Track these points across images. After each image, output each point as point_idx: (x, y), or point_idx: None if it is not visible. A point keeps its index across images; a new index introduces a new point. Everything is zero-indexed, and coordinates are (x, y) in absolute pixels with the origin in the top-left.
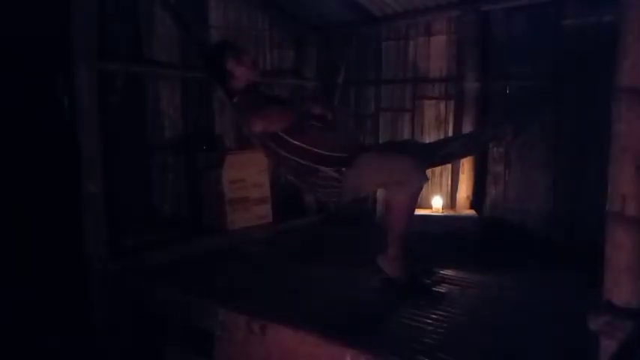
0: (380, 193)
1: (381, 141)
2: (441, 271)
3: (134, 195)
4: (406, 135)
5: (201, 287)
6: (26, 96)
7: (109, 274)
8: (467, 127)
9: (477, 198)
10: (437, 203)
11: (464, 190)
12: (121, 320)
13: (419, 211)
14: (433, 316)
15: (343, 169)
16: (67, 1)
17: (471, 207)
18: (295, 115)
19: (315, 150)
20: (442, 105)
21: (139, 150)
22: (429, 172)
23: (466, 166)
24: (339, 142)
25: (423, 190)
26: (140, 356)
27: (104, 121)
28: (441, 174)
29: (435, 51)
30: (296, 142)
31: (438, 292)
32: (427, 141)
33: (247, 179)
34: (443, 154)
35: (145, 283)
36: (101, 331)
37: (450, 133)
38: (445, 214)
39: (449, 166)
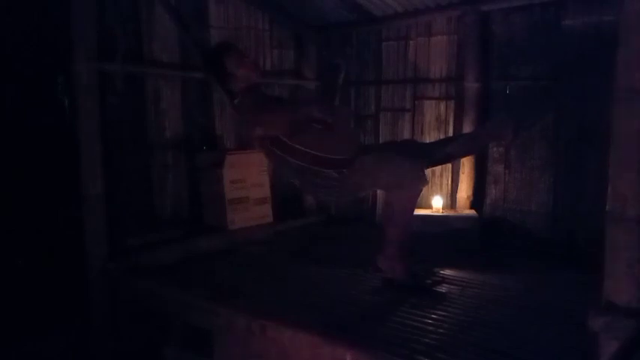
0: (380, 193)
1: (381, 141)
2: (441, 271)
3: (134, 195)
4: (406, 135)
5: (201, 287)
6: (26, 96)
7: (109, 273)
8: (467, 128)
9: (477, 198)
10: (437, 203)
11: (464, 190)
12: (120, 320)
13: (419, 211)
14: (433, 316)
15: (344, 170)
16: (67, 1)
17: (471, 207)
18: (295, 119)
19: (316, 153)
20: (442, 105)
21: (140, 150)
22: (429, 172)
23: (466, 166)
24: (339, 144)
25: (424, 190)
26: (140, 356)
27: (104, 122)
28: (441, 174)
29: (435, 51)
30: (296, 146)
31: (438, 292)
32: (427, 141)
33: (247, 179)
34: (443, 153)
35: (145, 283)
36: (101, 331)
37: (450, 134)
38: (445, 214)
39: (449, 166)
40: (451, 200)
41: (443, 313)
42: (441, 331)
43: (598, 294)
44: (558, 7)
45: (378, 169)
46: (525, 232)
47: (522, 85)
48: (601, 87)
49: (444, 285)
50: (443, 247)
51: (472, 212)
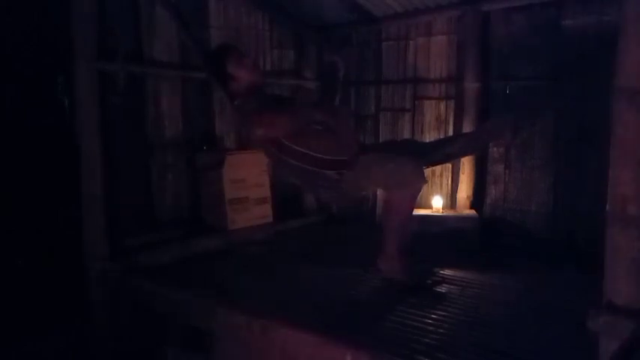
0: (380, 193)
1: (381, 141)
2: (441, 271)
3: (134, 195)
4: (406, 135)
5: (201, 287)
6: (26, 96)
7: (109, 273)
8: (467, 128)
9: (477, 198)
10: (437, 203)
11: (464, 190)
12: (120, 320)
13: (419, 211)
14: (433, 316)
15: (344, 171)
16: (67, 1)
17: (471, 207)
18: (296, 122)
19: (316, 155)
20: (442, 105)
21: (140, 150)
22: (429, 172)
23: (466, 166)
24: (339, 146)
25: (424, 190)
26: (140, 356)
27: (104, 121)
28: (441, 174)
29: (435, 51)
30: (297, 148)
31: (438, 292)
32: (427, 141)
33: (247, 179)
34: (443, 153)
35: (145, 283)
36: (101, 331)
37: (450, 134)
38: (445, 214)
39: (449, 166)
40: (451, 200)
41: (443, 313)
42: (441, 331)
43: (598, 294)
44: (558, 7)
45: (377, 168)
46: (525, 232)
47: (522, 85)
48: (601, 87)
49: (444, 285)
50: (443, 247)
51: (472, 212)
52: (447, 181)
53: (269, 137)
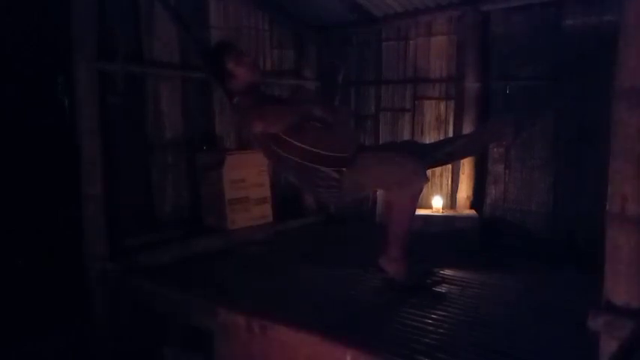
0: (380, 194)
1: (381, 141)
2: (441, 271)
3: (134, 195)
4: (406, 135)
5: (201, 287)
6: (26, 96)
7: (109, 273)
8: (467, 128)
9: (477, 198)
10: (437, 203)
11: (464, 190)
12: (120, 320)
13: (419, 211)
14: (433, 316)
15: (343, 169)
16: (67, 1)
17: (471, 207)
18: (295, 116)
19: (315, 150)
20: (442, 105)
21: (140, 150)
22: (429, 172)
23: (466, 166)
24: (339, 142)
25: (424, 190)
26: (140, 356)
27: (104, 121)
28: (441, 174)
29: (435, 51)
30: (296, 143)
31: (438, 292)
32: (427, 141)
33: (247, 179)
34: (443, 154)
35: (145, 283)
36: (101, 331)
37: (451, 134)
38: (445, 214)
39: (449, 166)
40: (451, 200)
41: (443, 313)
42: (441, 331)
43: (598, 294)
44: (558, 7)
45: (378, 167)
46: (525, 232)
47: (522, 85)
48: (601, 87)
49: (444, 285)
50: (443, 247)
51: (472, 212)
52: (447, 181)
53: (268, 133)
